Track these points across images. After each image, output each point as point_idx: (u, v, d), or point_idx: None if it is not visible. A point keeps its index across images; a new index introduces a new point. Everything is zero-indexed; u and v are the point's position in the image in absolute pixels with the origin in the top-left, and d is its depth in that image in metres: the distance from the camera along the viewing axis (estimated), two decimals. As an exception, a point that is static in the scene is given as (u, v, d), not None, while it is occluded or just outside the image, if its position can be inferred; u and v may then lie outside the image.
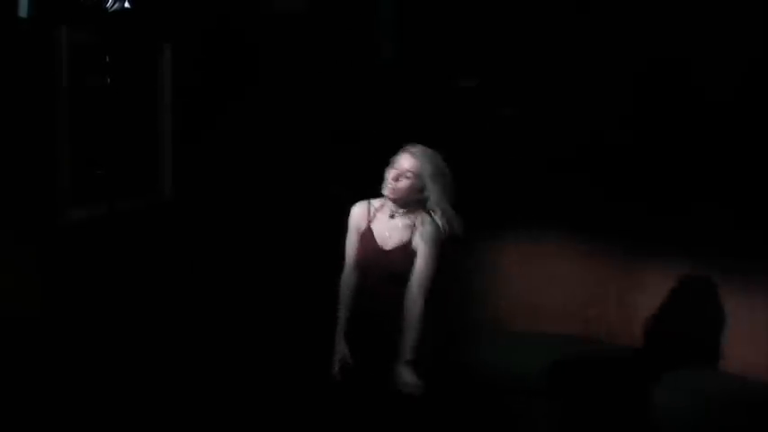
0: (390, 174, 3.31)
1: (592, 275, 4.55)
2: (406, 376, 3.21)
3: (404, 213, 3.35)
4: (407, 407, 3.27)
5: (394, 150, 3.32)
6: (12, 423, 3.65)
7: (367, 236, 3.37)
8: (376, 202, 3.40)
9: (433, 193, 3.31)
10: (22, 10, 3.70)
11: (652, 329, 4.33)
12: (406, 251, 3.31)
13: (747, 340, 4.06)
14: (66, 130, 4.04)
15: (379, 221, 3.39)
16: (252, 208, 4.95)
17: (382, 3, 5.12)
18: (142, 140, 4.63)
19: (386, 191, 3.33)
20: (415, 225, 3.33)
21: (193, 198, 4.85)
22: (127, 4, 3.97)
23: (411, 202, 3.33)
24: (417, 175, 3.29)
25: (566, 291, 4.60)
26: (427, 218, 3.32)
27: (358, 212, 3.42)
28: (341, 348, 3.36)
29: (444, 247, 3.32)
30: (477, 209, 3.47)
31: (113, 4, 3.96)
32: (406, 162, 3.30)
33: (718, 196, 4.19)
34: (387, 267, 3.31)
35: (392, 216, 3.36)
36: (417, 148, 3.34)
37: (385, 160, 3.31)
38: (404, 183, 3.29)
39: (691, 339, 4.23)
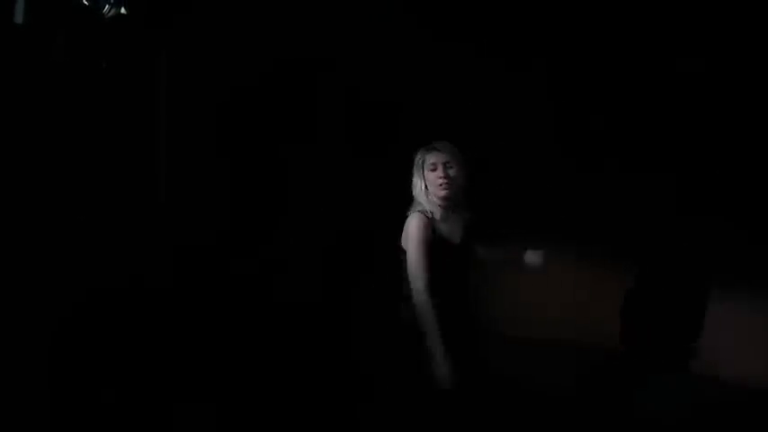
0: (435, 170, 3.17)
1: (590, 282, 4.54)
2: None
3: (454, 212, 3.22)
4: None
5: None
6: None
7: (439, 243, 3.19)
8: (428, 213, 3.20)
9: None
10: (18, 16, 3.69)
11: (647, 335, 4.33)
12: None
13: (745, 346, 4.08)
14: (62, 135, 4.03)
15: (441, 227, 3.20)
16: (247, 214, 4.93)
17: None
18: (137, 146, 4.61)
19: (439, 190, 3.18)
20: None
21: (188, 205, 4.82)
22: (123, 10, 3.96)
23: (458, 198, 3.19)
24: (459, 164, 3.19)
25: (564, 297, 4.59)
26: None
27: (422, 223, 3.17)
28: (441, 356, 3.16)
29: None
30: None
31: (110, 10, 3.95)
32: (440, 156, 3.18)
33: (717, 203, 4.18)
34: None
35: (446, 220, 3.21)
36: (440, 143, 3.24)
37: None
38: (454, 172, 3.17)
39: (687, 345, 4.24)
